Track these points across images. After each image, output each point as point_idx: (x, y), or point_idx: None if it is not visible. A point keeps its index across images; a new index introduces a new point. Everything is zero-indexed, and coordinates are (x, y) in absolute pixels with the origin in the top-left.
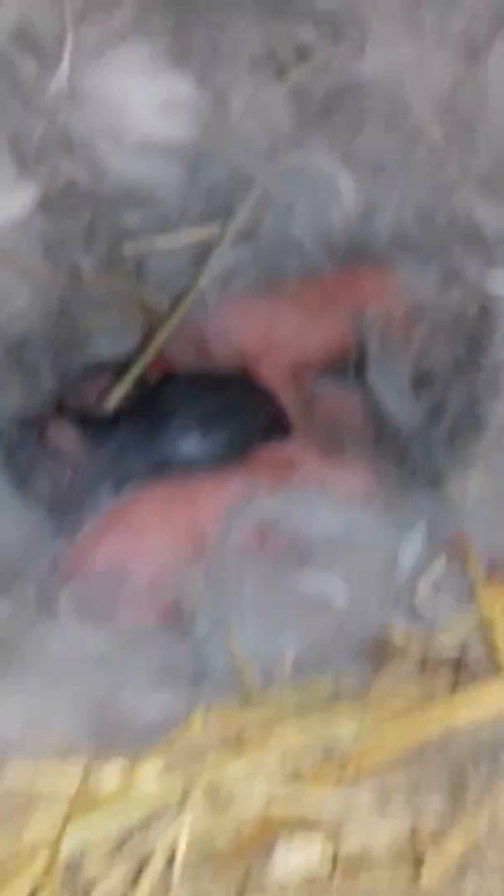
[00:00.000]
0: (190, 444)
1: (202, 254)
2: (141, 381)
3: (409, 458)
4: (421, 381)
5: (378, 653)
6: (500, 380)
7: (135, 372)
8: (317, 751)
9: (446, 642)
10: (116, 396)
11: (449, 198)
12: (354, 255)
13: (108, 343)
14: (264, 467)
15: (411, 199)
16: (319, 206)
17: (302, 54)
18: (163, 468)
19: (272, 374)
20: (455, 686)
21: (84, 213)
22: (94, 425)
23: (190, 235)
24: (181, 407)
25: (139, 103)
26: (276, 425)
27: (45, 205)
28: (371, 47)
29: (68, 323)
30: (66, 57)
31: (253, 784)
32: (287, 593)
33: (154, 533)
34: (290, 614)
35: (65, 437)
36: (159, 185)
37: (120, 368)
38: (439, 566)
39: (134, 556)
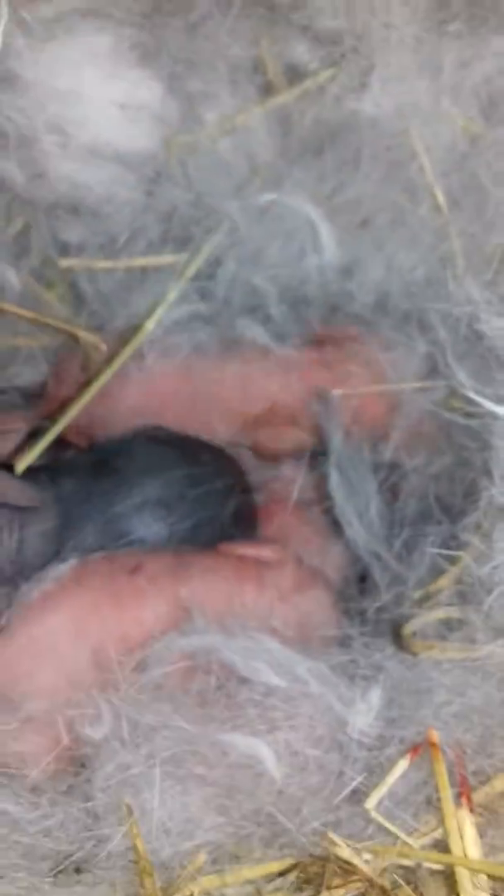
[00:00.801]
0: (148, 525)
1: (151, 286)
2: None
3: (374, 597)
4: (394, 510)
5: (315, 870)
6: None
7: (55, 431)
8: None
9: (397, 868)
10: (29, 458)
11: (443, 273)
12: (326, 319)
13: (27, 371)
14: (223, 571)
15: (400, 265)
16: (294, 254)
17: (294, 75)
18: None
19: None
20: None
21: (17, 219)
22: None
23: (140, 262)
24: (145, 475)
25: (93, 101)
26: (245, 511)
27: None
28: (376, 80)
29: None
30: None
31: None
32: (209, 757)
33: (60, 649)
34: (210, 788)
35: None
36: (109, 198)
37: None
38: (399, 770)
39: (30, 678)
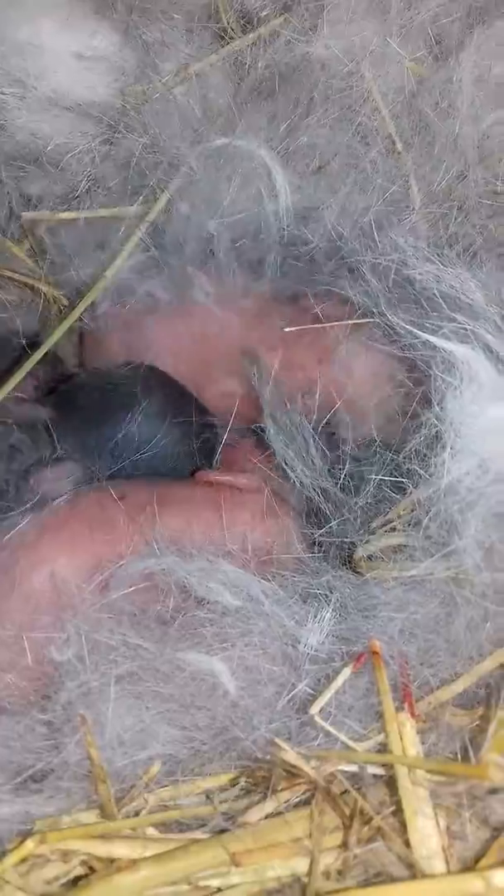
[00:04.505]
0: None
1: (110, 235)
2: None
3: (321, 526)
4: (331, 441)
5: (263, 774)
6: (435, 455)
7: (25, 369)
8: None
9: (341, 772)
10: (3, 392)
11: (398, 214)
12: (282, 266)
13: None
14: (201, 497)
15: (354, 208)
16: (249, 199)
17: (247, 21)
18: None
19: None
20: (346, 828)
21: None
22: None
23: (102, 212)
24: (129, 409)
25: (51, 52)
26: (212, 446)
27: None
28: (327, 24)
29: None
30: None
31: None
32: (166, 675)
33: (58, 571)
34: (166, 703)
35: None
36: (69, 148)
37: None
38: (342, 678)
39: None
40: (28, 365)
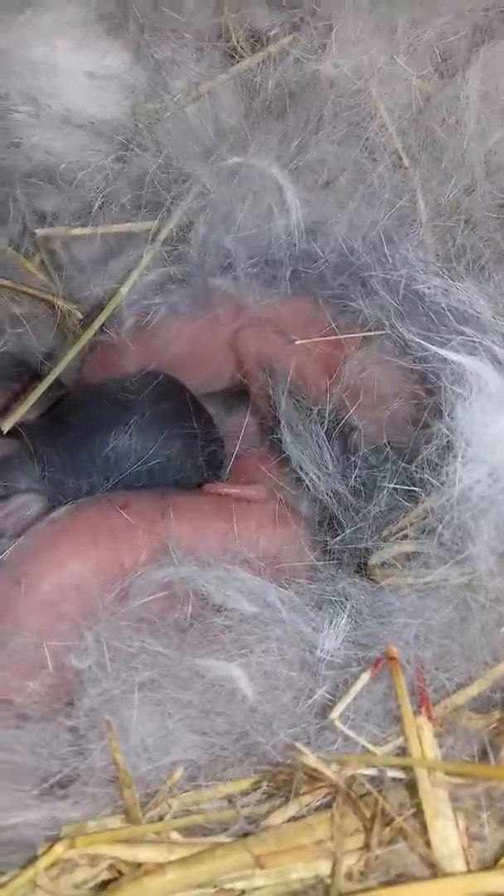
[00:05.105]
0: (133, 467)
1: (125, 251)
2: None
3: (335, 533)
4: (345, 446)
5: (284, 778)
6: (447, 462)
7: (38, 392)
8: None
9: (361, 776)
10: (17, 416)
11: (406, 228)
12: (292, 278)
13: (13, 339)
14: (207, 508)
15: (362, 223)
16: (261, 216)
17: (256, 40)
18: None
19: None
20: (368, 830)
21: None
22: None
23: (115, 228)
24: (128, 420)
25: (65, 71)
26: (218, 457)
27: None
28: (335, 43)
29: None
30: None
31: None
32: (186, 681)
33: (62, 580)
34: (186, 709)
35: None
36: (82, 166)
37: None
38: (360, 683)
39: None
40: (44, 384)
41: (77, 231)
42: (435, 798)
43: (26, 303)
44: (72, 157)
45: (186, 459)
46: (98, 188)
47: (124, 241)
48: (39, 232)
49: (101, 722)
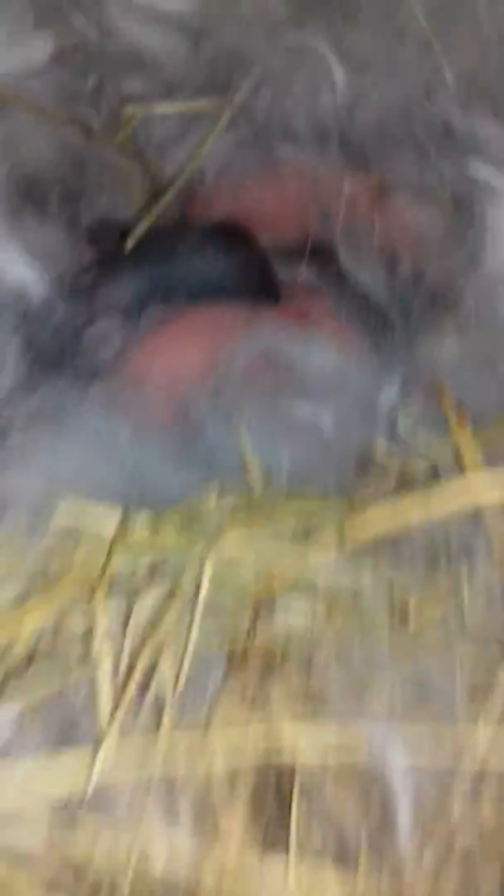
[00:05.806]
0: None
1: (202, 125)
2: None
3: (388, 328)
4: (394, 257)
5: (361, 468)
6: (478, 254)
7: (150, 218)
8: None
9: (422, 465)
10: (135, 236)
11: (430, 99)
12: (340, 145)
13: (112, 202)
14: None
15: (393, 97)
16: (314, 91)
17: None
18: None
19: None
20: None
21: (93, 72)
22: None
23: (191, 105)
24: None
25: None
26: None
27: (59, 59)
28: None
29: (78, 175)
30: None
31: (260, 548)
32: (282, 418)
33: (178, 348)
34: (285, 435)
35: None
36: (163, 53)
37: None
38: (417, 403)
39: (159, 366)
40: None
41: (161, 108)
42: None
43: (119, 171)
44: (154, 47)
45: (245, 283)
46: (176, 73)
47: (198, 118)
48: (128, 108)
49: None
